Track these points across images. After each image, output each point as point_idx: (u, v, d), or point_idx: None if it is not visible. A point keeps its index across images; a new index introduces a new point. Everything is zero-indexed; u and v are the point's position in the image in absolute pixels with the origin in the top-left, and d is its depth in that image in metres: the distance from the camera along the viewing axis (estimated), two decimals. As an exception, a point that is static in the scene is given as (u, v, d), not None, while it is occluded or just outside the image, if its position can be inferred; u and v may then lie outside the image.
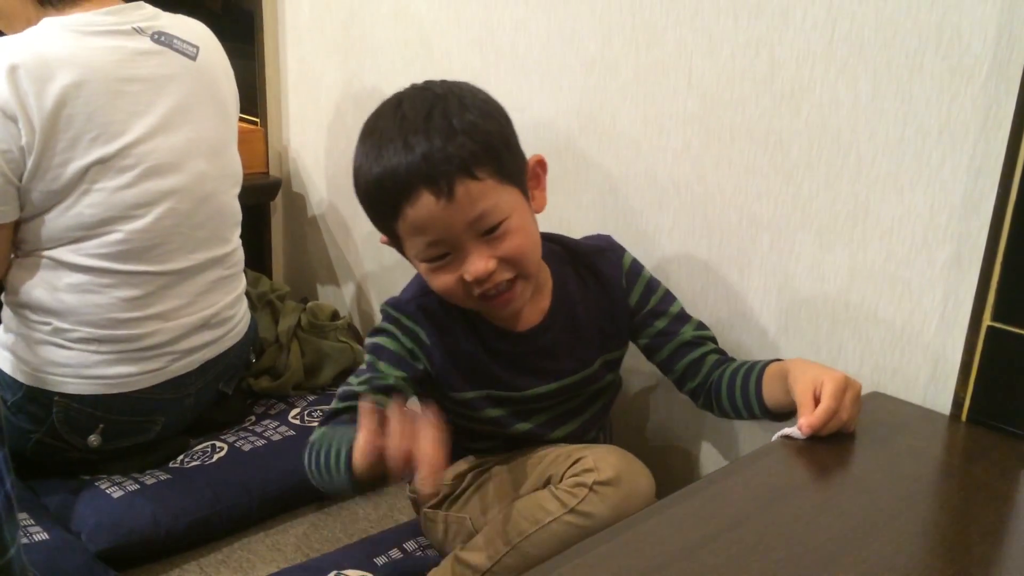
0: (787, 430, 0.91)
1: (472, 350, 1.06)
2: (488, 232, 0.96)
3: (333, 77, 1.73)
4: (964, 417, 0.96)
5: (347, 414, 1.01)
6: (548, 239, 1.11)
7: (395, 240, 1.02)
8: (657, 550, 0.73)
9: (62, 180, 1.22)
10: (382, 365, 1.04)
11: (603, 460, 0.98)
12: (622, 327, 1.12)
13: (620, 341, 1.13)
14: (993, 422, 0.94)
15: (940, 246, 0.96)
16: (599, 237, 1.17)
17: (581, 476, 0.97)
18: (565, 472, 0.99)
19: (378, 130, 0.97)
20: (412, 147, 0.93)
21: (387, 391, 1.02)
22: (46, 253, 1.26)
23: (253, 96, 1.87)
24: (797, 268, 1.09)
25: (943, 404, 0.98)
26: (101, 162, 1.24)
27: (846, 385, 0.91)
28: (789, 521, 0.77)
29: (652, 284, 1.13)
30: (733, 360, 1.10)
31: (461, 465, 1.13)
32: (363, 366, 1.07)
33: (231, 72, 1.47)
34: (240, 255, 1.45)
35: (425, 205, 0.93)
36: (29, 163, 1.20)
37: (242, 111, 1.91)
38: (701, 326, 1.13)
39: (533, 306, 1.07)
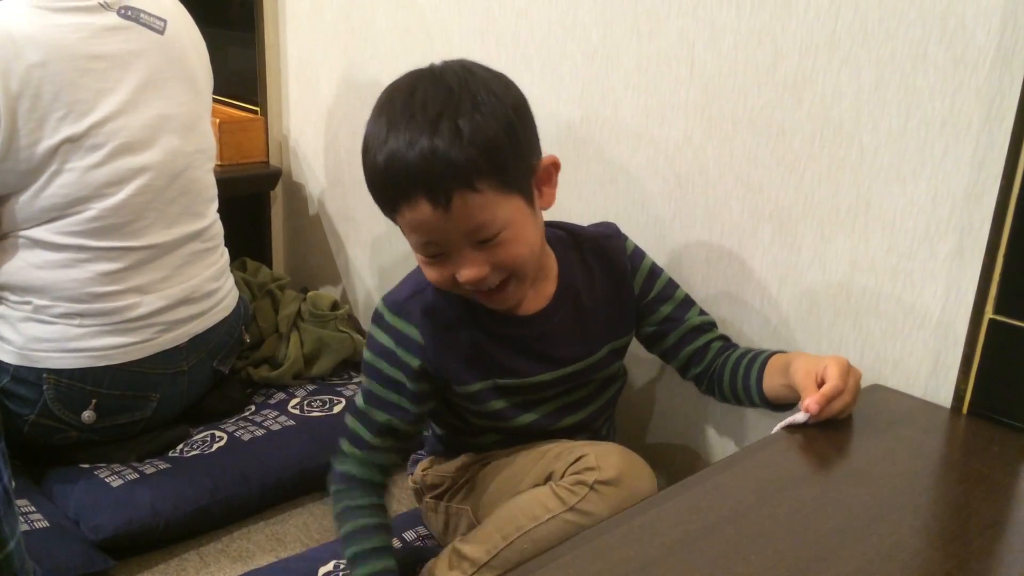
0: (789, 419, 0.91)
1: (474, 339, 1.05)
2: (484, 241, 0.95)
3: (334, 65, 1.73)
4: (965, 410, 0.95)
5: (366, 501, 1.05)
6: (553, 225, 1.11)
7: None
8: (656, 542, 0.73)
9: (33, 160, 1.24)
10: (393, 397, 1.05)
11: (605, 459, 0.97)
12: (628, 313, 1.12)
13: (626, 327, 1.12)
14: (994, 415, 0.93)
15: (942, 238, 0.96)
16: (603, 224, 1.16)
17: (583, 474, 0.96)
18: (567, 469, 0.99)
19: (386, 114, 0.95)
20: (415, 146, 0.91)
21: (402, 442, 1.07)
22: (22, 234, 1.28)
23: (253, 85, 1.87)
24: (798, 259, 1.08)
25: (944, 397, 0.98)
26: (71, 141, 1.24)
27: (849, 368, 0.92)
28: (789, 513, 0.77)
29: (655, 270, 1.13)
30: (737, 347, 1.10)
31: (463, 458, 1.13)
32: (363, 389, 1.07)
33: (203, 47, 1.47)
34: (218, 229, 1.46)
35: (422, 211, 0.92)
36: None
37: (242, 100, 1.91)
38: (704, 312, 1.13)
39: (538, 291, 1.07)
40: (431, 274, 0.99)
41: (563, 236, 1.11)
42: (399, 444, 1.07)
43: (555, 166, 1.03)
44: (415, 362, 1.03)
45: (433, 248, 0.96)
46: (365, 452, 1.06)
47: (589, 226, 1.16)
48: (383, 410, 1.04)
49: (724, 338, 1.12)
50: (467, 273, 0.95)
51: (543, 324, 1.07)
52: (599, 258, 1.11)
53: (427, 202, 0.91)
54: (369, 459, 1.06)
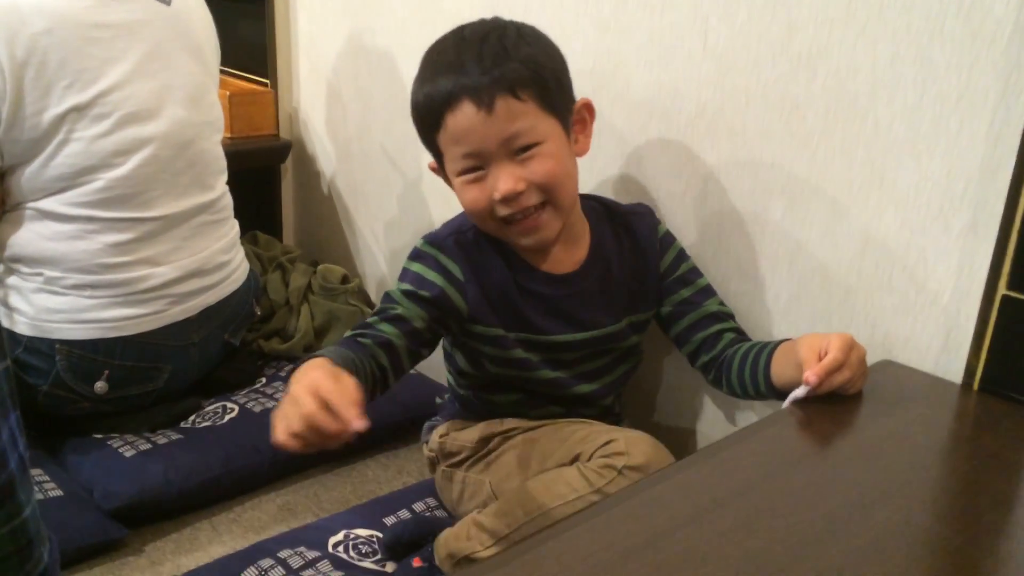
0: (792, 394, 0.91)
1: (505, 287, 1.07)
2: (520, 151, 0.99)
3: (344, 38, 1.72)
4: (976, 386, 0.95)
5: (357, 338, 1.01)
6: (588, 198, 1.14)
7: (438, 158, 1.05)
8: (665, 515, 0.73)
9: (40, 129, 1.24)
10: (398, 296, 1.05)
11: (635, 446, 0.99)
12: (651, 290, 1.14)
13: (648, 304, 1.14)
14: (1005, 392, 0.93)
15: (956, 214, 0.95)
16: (638, 204, 1.19)
17: (611, 459, 0.98)
18: (595, 452, 1.00)
19: (437, 50, 1.02)
20: (463, 63, 0.98)
21: (396, 320, 1.03)
22: (31, 205, 1.28)
23: (263, 57, 1.86)
24: (810, 235, 1.08)
25: (955, 373, 0.97)
26: (76, 110, 1.25)
27: (852, 343, 0.91)
28: (798, 488, 0.78)
29: (683, 254, 1.15)
30: (749, 340, 1.10)
31: (483, 427, 1.13)
32: (386, 297, 1.07)
33: (210, 19, 1.47)
34: (227, 201, 1.46)
35: (465, 114, 0.98)
36: (4, 112, 1.21)
37: (252, 72, 1.90)
38: (724, 303, 1.14)
39: (570, 254, 1.10)
40: (468, 196, 1.02)
41: (597, 208, 1.14)
42: (400, 335, 1.02)
43: (588, 108, 1.08)
44: (452, 295, 1.05)
45: (471, 160, 1.00)
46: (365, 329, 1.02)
47: (625, 203, 1.18)
48: (402, 302, 1.04)
49: (739, 331, 1.12)
50: (504, 184, 0.99)
51: (572, 286, 1.09)
52: (630, 233, 1.13)
53: (471, 103, 0.97)
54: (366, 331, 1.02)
